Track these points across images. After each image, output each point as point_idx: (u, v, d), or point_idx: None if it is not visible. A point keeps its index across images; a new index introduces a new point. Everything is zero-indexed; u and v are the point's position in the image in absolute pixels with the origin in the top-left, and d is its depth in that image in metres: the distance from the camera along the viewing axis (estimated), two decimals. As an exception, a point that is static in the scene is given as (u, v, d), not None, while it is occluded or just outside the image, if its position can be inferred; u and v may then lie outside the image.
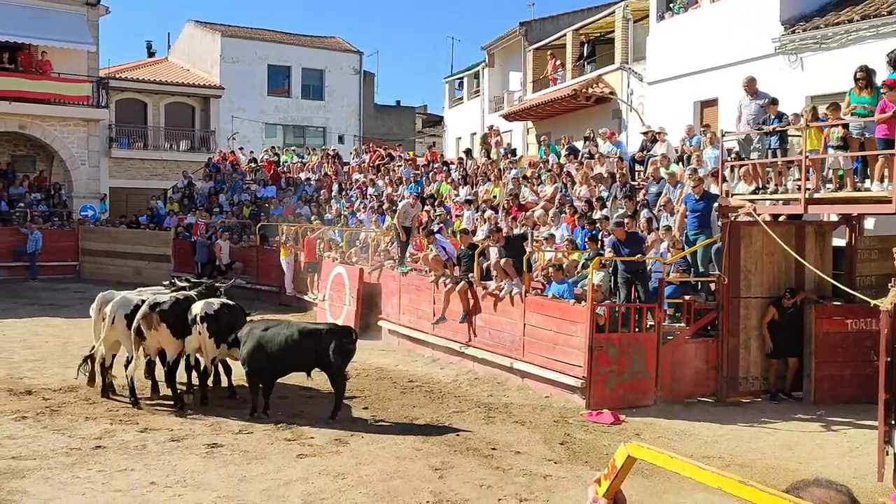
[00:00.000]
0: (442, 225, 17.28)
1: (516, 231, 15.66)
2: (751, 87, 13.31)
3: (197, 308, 11.49)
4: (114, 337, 11.62)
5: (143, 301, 11.63)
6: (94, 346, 11.94)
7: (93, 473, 8.45)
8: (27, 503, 7.63)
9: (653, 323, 12.22)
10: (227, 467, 8.76)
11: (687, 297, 12.61)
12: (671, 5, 21.45)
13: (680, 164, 16.02)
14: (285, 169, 29.04)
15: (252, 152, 31.66)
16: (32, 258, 25.67)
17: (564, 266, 13.68)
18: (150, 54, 41.20)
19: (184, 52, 39.63)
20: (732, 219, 12.60)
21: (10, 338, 15.99)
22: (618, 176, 16.26)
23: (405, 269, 16.82)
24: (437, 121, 48.20)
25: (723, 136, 13.45)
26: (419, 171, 23.31)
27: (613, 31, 25.65)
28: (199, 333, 11.34)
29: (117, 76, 33.68)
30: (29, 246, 25.84)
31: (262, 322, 11.50)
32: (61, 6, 28.78)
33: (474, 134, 33.45)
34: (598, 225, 14.11)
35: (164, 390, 11.74)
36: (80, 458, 8.93)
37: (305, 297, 20.88)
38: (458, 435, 10.26)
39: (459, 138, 37.34)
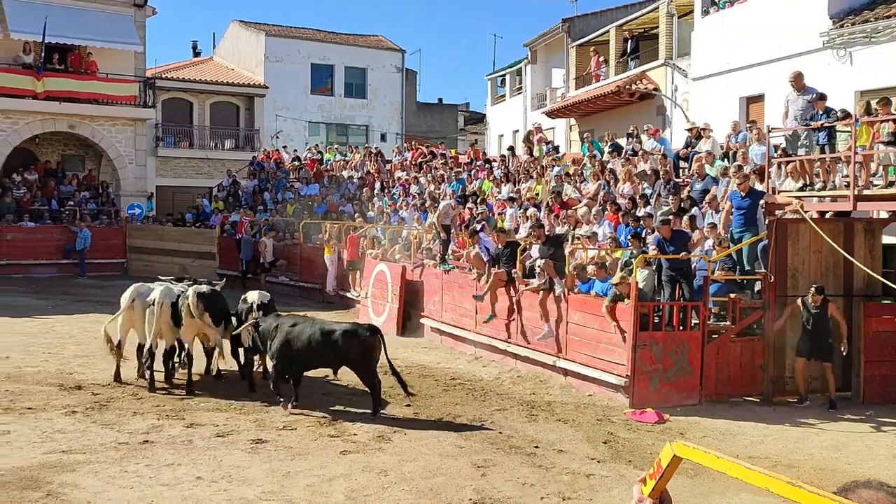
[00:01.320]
0: (485, 223, 17.26)
1: (557, 230, 15.61)
2: (798, 82, 13.09)
3: (253, 296, 12.16)
4: (161, 325, 11.90)
5: (182, 292, 12.04)
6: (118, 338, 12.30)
7: (140, 467, 8.57)
8: (77, 496, 7.77)
9: (697, 321, 12.09)
10: (272, 463, 8.85)
11: (732, 296, 12.45)
12: (716, 0, 21.21)
13: (725, 160, 15.84)
14: (328, 167, 29.23)
15: (295, 150, 31.91)
16: (81, 255, 26.19)
17: (608, 264, 13.61)
18: (196, 54, 41.77)
19: (229, 51, 40.08)
20: (779, 216, 12.43)
21: (60, 333, 16.31)
22: (661, 173, 16.12)
23: (447, 267, 16.84)
24: (479, 118, 48.20)
25: (769, 132, 13.27)
26: (461, 169, 23.31)
27: (657, 27, 25.46)
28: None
29: (164, 76, 34.19)
30: (78, 243, 26.38)
31: (290, 317, 11.63)
32: (109, 7, 29.25)
33: (517, 131, 33.38)
34: (642, 222, 14.00)
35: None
36: (128, 452, 9.07)
37: (348, 295, 20.99)
38: (500, 433, 10.24)
39: (502, 136, 37.28)
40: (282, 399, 10.92)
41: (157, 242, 26.92)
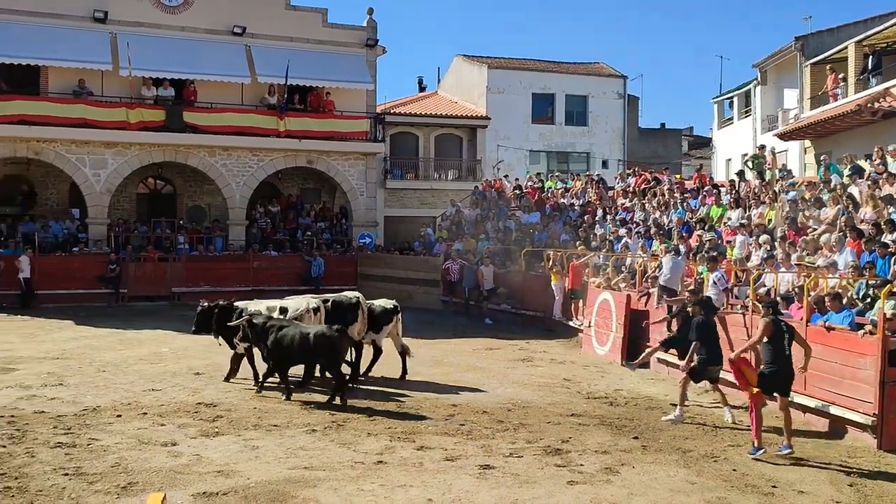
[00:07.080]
0: (723, 254, 16.51)
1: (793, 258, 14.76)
2: None
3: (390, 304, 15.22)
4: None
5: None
6: None
7: (375, 487, 8.91)
8: (319, 511, 8.20)
9: (958, 357, 11.05)
10: (500, 489, 8.92)
11: None
12: (972, 7, 19.49)
13: None
14: (549, 195, 29.35)
15: (517, 179, 32.34)
16: (317, 282, 27.76)
17: (849, 294, 12.77)
18: (422, 89, 43.59)
19: (452, 85, 41.38)
20: None
21: (299, 356, 17.29)
22: (910, 196, 14.96)
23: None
24: (703, 142, 46.88)
25: None
26: (688, 195, 22.69)
27: (903, 40, 23.77)
28: (396, 322, 14.94)
29: (392, 112, 35.80)
30: (312, 271, 28.09)
31: (277, 321, 13.40)
32: (344, 49, 31.15)
33: (745, 155, 32.15)
34: (890, 249, 13.01)
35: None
36: (363, 471, 9.46)
37: (570, 324, 20.87)
38: (734, 470, 9.81)
39: (729, 160, 36.08)
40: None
41: (385, 270, 28.15)
